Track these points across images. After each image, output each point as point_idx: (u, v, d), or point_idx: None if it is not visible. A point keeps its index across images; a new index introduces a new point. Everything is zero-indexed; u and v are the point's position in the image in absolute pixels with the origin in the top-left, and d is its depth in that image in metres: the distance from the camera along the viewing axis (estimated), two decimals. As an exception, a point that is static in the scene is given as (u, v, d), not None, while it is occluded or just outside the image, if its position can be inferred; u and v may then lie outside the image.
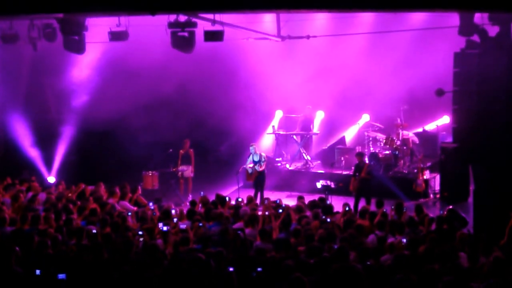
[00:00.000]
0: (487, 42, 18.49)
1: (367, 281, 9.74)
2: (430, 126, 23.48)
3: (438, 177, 20.65)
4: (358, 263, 10.49)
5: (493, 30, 18.51)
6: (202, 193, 16.67)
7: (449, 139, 20.64)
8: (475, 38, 18.70)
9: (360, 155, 19.43)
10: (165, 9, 15.10)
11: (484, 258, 11.08)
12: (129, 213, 14.93)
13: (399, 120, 22.55)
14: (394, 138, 21.88)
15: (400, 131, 22.05)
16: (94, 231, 12.67)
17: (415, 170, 20.64)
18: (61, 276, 9.93)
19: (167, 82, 22.61)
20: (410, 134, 22.52)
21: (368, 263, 10.46)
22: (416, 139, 22.75)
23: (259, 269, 10.02)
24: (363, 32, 22.25)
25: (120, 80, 22.44)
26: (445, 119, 22.78)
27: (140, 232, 12.77)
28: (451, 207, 14.90)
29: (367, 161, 19.43)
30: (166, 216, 14.22)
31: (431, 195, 20.67)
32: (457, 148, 19.34)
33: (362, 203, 18.02)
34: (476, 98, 18.55)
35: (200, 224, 13.48)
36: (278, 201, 16.10)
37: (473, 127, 18.73)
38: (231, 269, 9.97)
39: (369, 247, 11.43)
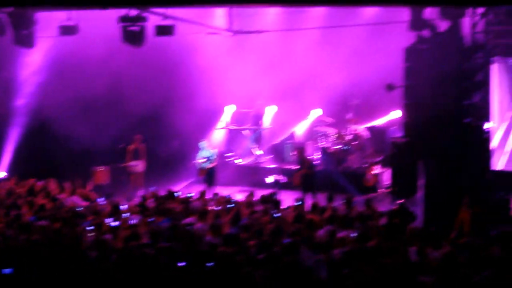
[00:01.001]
0: (437, 37, 18.59)
1: (317, 276, 9.71)
2: (381, 121, 23.59)
3: (388, 172, 20.77)
4: (308, 257, 10.48)
5: (443, 25, 18.63)
6: (152, 188, 16.54)
7: (399, 134, 20.72)
8: (426, 33, 18.80)
9: (301, 150, 19.48)
10: (116, 4, 14.92)
11: (434, 252, 11.14)
12: (80, 209, 14.75)
13: (349, 115, 22.61)
14: (345, 133, 21.93)
15: (351, 126, 22.11)
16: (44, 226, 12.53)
17: (365, 165, 20.73)
18: (7, 270, 9.76)
19: (118, 77, 22.27)
20: (360, 128, 22.59)
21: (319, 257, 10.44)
22: (366, 134, 22.83)
23: (209, 264, 9.96)
24: (314, 27, 22.25)
25: (69, 74, 22.05)
26: (395, 114, 22.89)
27: (90, 227, 12.63)
28: (401, 201, 14.97)
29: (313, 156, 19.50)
30: (116, 211, 14.15)
31: (381, 190, 20.77)
32: (407, 142, 19.40)
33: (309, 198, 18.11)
34: (426, 93, 18.61)
35: (150, 219, 13.38)
36: (228, 196, 16.10)
37: (423, 122, 18.79)
38: (181, 264, 9.97)
39: (319, 242, 11.40)
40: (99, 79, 21.88)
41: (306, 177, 18.80)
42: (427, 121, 18.50)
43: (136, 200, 16.55)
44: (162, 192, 16.30)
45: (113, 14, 16.34)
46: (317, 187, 18.54)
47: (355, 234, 12.03)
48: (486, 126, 18.12)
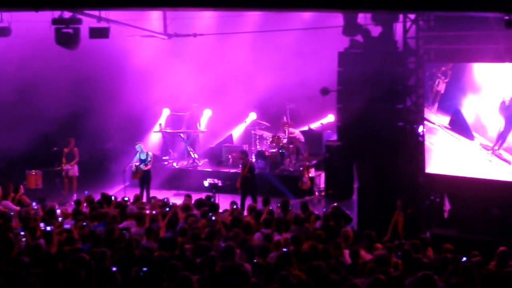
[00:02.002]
0: (370, 42, 18.85)
1: (253, 279, 9.73)
2: (316, 125, 23.78)
3: (323, 175, 20.97)
4: (245, 261, 10.50)
5: (376, 30, 18.89)
6: (86, 192, 16.35)
7: (334, 138, 20.95)
8: (359, 38, 19.05)
9: (242, 153, 19.58)
10: (48, 5, 14.67)
11: (368, 255, 11.28)
12: (12, 213, 14.47)
13: (285, 119, 22.75)
14: (281, 136, 22.05)
15: (286, 129, 22.25)
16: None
17: (301, 168, 20.87)
18: None
19: (53, 78, 21.98)
20: (296, 132, 22.75)
21: (255, 261, 10.47)
22: (302, 137, 22.99)
23: (145, 268, 9.91)
24: (250, 31, 22.32)
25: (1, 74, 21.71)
26: (330, 118, 23.10)
27: (22, 233, 12.41)
28: (335, 204, 15.12)
29: (251, 159, 19.55)
30: (50, 216, 13.88)
31: (317, 193, 20.97)
32: (341, 146, 19.64)
33: (249, 201, 18.16)
34: (359, 97, 18.83)
35: (85, 224, 13.22)
36: (165, 200, 15.99)
37: (357, 125, 19.04)
38: (114, 268, 9.83)
39: (255, 245, 11.43)
40: (39, 80, 21.62)
41: (245, 181, 18.85)
42: (360, 124, 18.73)
43: (70, 204, 16.30)
44: (97, 196, 16.10)
45: (47, 17, 16.09)
46: (256, 191, 18.60)
47: (291, 237, 12.10)
48: (420, 129, 18.43)
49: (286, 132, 22.18)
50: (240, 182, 18.91)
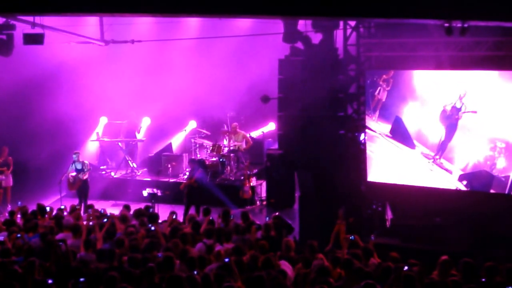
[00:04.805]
0: (311, 49, 18.79)
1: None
2: (256, 133, 23.60)
3: (264, 184, 20.78)
4: (184, 272, 10.25)
5: (316, 37, 18.83)
6: (20, 202, 15.88)
7: (275, 146, 20.83)
8: (299, 45, 18.96)
9: (191, 161, 19.43)
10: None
11: (309, 265, 11.10)
12: None
13: (225, 127, 22.52)
14: (221, 145, 21.79)
15: (227, 138, 22.02)
16: None
17: (242, 177, 20.64)
18: None
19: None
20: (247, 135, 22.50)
21: (195, 272, 10.21)
22: (242, 146, 22.76)
23: (81, 279, 9.64)
24: (189, 38, 22.08)
25: None
26: (271, 126, 22.97)
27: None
28: (277, 213, 14.94)
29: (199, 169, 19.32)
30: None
31: (258, 202, 20.77)
32: (282, 154, 19.51)
33: (192, 211, 17.94)
34: (299, 105, 18.79)
35: (19, 235, 12.80)
36: (102, 211, 15.67)
37: (297, 134, 18.96)
38: (50, 281, 9.61)
39: (194, 256, 11.16)
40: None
41: (190, 190, 18.61)
42: (301, 133, 18.65)
43: (4, 215, 15.83)
44: (32, 207, 15.63)
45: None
46: (200, 201, 18.30)
47: (232, 247, 11.89)
48: (361, 137, 18.41)
49: (227, 140, 21.92)
50: (185, 191, 18.67)
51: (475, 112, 16.27)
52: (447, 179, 16.80)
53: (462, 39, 14.37)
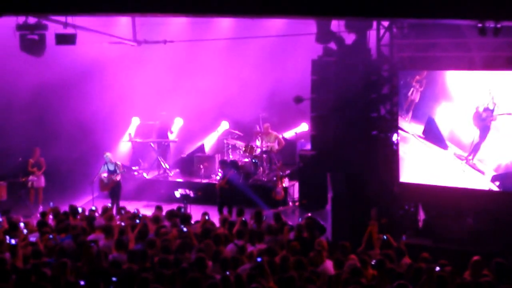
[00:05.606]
0: (344, 49, 18.71)
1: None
2: (289, 134, 23.53)
3: (297, 185, 20.72)
4: (217, 273, 10.26)
5: (349, 38, 18.74)
6: (51, 203, 15.99)
7: (308, 147, 20.74)
8: (332, 45, 18.88)
9: (222, 163, 19.44)
10: (12, 11, 14.31)
11: (342, 265, 11.08)
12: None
13: (258, 128, 22.49)
14: (254, 145, 21.75)
15: (260, 139, 21.97)
16: None
17: (274, 178, 20.59)
18: None
19: (19, 87, 21.55)
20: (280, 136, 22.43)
21: (227, 273, 10.20)
22: (275, 147, 22.71)
23: (114, 279, 9.72)
24: (221, 38, 22.10)
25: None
26: (303, 127, 22.88)
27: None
28: (309, 214, 14.90)
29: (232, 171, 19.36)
30: (14, 229, 13.53)
31: (290, 203, 20.71)
32: (315, 155, 19.44)
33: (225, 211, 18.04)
34: (333, 105, 18.71)
35: (51, 236, 12.87)
36: (135, 211, 15.70)
37: (330, 134, 18.87)
38: (82, 282, 9.68)
39: (227, 257, 11.16)
40: (7, 90, 21.29)
41: (222, 191, 18.67)
42: (334, 133, 18.57)
43: (36, 216, 15.94)
44: (64, 208, 15.72)
45: (10, 22, 15.67)
46: (233, 202, 18.34)
47: (265, 248, 11.88)
48: (394, 138, 18.28)
49: (260, 141, 21.85)
50: (219, 192, 18.77)
51: (510, 114, 16.11)
52: (480, 180, 16.64)
53: (495, 39, 14.19)
